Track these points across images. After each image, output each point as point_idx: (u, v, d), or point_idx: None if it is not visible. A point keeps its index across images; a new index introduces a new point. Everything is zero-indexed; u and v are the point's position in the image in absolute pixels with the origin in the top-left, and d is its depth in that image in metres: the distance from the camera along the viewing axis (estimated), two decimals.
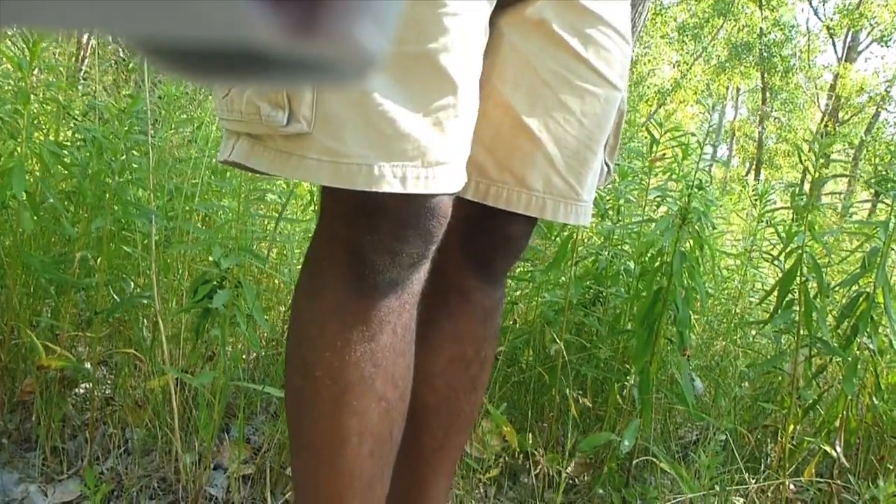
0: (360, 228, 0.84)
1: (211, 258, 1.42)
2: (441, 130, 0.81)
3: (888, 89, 18.31)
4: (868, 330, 1.65)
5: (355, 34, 0.17)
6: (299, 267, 0.95)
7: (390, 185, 0.78)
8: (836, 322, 1.77)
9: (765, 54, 19.99)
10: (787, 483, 1.69)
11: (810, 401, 1.71)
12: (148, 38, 0.17)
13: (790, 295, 1.71)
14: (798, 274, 1.64)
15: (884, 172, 1.77)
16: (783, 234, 1.74)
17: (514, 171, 0.97)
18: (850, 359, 1.68)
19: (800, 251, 1.64)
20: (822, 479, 1.70)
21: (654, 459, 1.60)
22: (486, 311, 1.11)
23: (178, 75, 0.19)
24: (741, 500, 1.74)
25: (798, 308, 1.69)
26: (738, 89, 26.39)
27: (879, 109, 19.03)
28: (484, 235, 1.06)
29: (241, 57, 0.18)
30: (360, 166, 0.77)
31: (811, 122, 22.53)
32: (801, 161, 1.59)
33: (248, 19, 0.15)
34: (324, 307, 0.87)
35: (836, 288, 1.77)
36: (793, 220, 1.86)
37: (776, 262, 1.76)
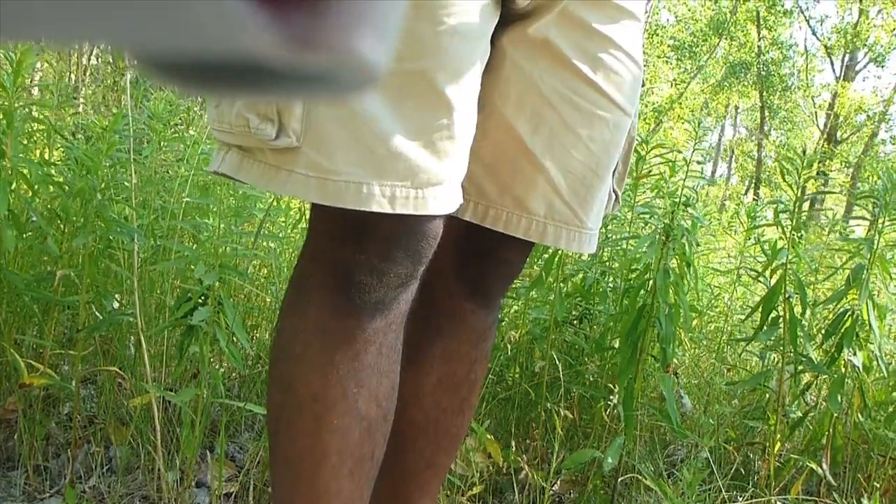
0: (348, 247, 0.83)
1: (195, 276, 1.43)
2: (434, 152, 0.79)
3: (885, 109, 18.38)
4: (853, 347, 1.65)
5: (356, 47, 0.17)
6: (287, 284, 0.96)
7: (379, 205, 0.76)
8: (822, 339, 1.78)
9: (763, 73, 20.09)
10: (773, 501, 1.68)
11: (795, 418, 1.71)
12: (148, 50, 0.17)
13: (775, 312, 1.72)
14: (782, 291, 1.64)
15: (874, 190, 1.78)
16: (768, 251, 1.74)
17: (516, 194, 0.94)
18: (835, 376, 1.69)
19: (784, 268, 1.65)
20: (808, 497, 1.69)
21: (640, 477, 1.59)
22: (479, 334, 1.10)
23: (178, 88, 0.19)
24: None
25: (783, 325, 1.70)
26: (736, 108, 26.51)
27: (876, 130, 19.10)
28: (479, 258, 1.04)
29: (242, 69, 0.18)
30: (348, 184, 0.76)
31: (809, 140, 22.62)
32: (783, 178, 1.60)
33: (249, 32, 0.15)
34: (308, 325, 0.86)
35: (822, 305, 1.78)
36: (780, 237, 1.86)
37: (761, 279, 1.76)
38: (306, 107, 0.76)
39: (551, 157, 0.92)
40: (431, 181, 0.80)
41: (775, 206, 1.66)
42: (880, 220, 1.67)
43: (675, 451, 2.05)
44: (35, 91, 2.26)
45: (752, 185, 22.64)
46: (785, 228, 1.64)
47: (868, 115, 19.21)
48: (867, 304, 1.65)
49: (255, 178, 0.79)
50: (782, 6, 18.95)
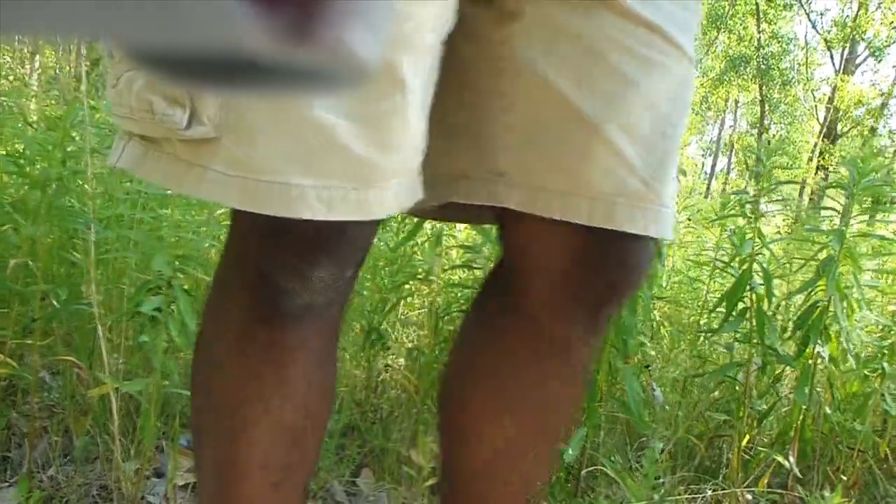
0: (268, 248, 0.72)
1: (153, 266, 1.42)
2: (381, 143, 0.65)
3: (884, 103, 18.34)
4: (820, 339, 1.64)
5: (347, 42, 0.17)
6: None
7: (312, 210, 0.63)
8: (792, 331, 1.77)
9: (763, 67, 20.05)
10: (738, 493, 1.67)
11: (762, 411, 1.70)
12: (141, 45, 0.17)
13: (743, 303, 1.71)
14: (748, 282, 1.64)
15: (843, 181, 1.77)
16: (736, 242, 1.73)
17: (567, 167, 0.74)
18: (801, 368, 1.68)
19: (750, 259, 1.64)
20: (775, 490, 1.69)
21: (604, 469, 1.59)
22: (585, 367, 0.91)
23: (170, 82, 0.20)
24: None
25: (751, 317, 1.69)
26: (736, 102, 26.46)
27: (876, 124, 19.06)
28: (597, 270, 0.80)
29: (234, 65, 0.18)
30: (274, 185, 0.63)
31: (810, 134, 22.58)
32: (746, 167, 1.59)
33: (241, 27, 0.15)
34: (230, 331, 0.78)
35: (791, 297, 1.77)
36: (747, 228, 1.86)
37: (730, 270, 1.76)
38: None
39: (607, 115, 0.73)
40: (376, 179, 0.66)
41: (740, 198, 1.65)
42: (850, 211, 1.66)
43: (650, 444, 2.04)
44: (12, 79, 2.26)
45: (752, 178, 22.61)
46: (750, 219, 1.63)
47: (867, 109, 19.17)
48: (835, 295, 1.64)
49: (160, 177, 0.67)
50: None
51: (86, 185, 1.37)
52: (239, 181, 0.63)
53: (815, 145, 19.02)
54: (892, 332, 1.73)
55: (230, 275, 0.79)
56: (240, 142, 0.63)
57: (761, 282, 1.62)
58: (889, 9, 17.80)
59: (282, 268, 0.72)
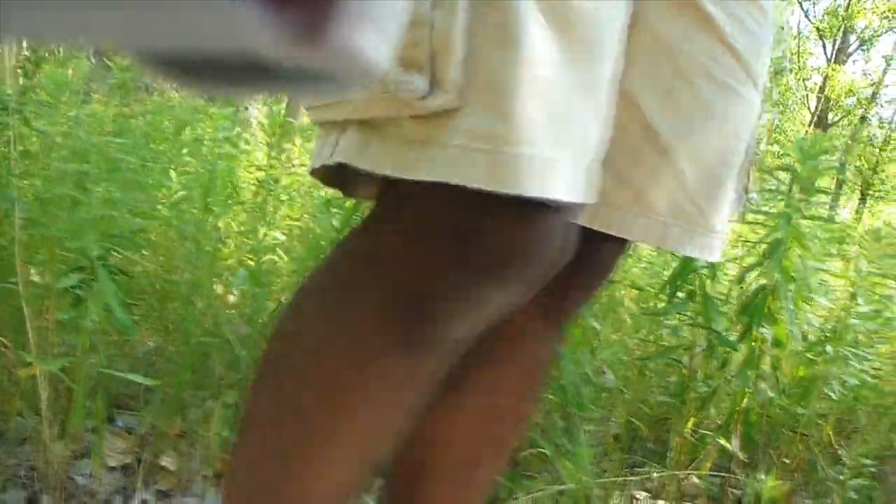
0: (445, 258, 0.58)
1: (82, 245, 1.40)
2: (595, 114, 0.59)
3: (875, 92, 18.35)
4: (766, 323, 1.64)
5: (357, 44, 0.17)
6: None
7: (566, 190, 0.55)
8: (737, 315, 1.76)
9: None
10: (681, 476, 1.67)
11: (704, 394, 1.70)
12: (150, 48, 0.17)
13: (690, 286, 1.70)
14: (691, 264, 1.62)
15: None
16: None
17: (635, 186, 0.73)
18: (746, 352, 1.67)
19: None
20: (716, 474, 1.68)
21: (543, 451, 1.58)
22: (539, 363, 0.89)
23: (180, 85, 0.19)
24: (643, 493, 1.73)
25: (697, 299, 1.68)
26: None
27: (866, 113, 19.08)
28: (576, 275, 0.80)
29: (243, 67, 0.17)
30: (535, 158, 0.53)
31: (802, 123, 22.58)
32: None
33: (250, 29, 0.15)
34: (348, 349, 0.63)
35: (736, 280, 1.76)
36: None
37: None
38: (469, 44, 0.53)
39: (680, 140, 0.72)
40: (590, 157, 0.60)
41: None
42: (793, 194, 1.65)
43: (596, 427, 2.03)
44: None
45: None
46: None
47: (858, 99, 19.18)
48: (779, 279, 1.63)
49: (390, 164, 0.55)
50: None
51: (11, 163, 1.35)
52: (488, 156, 0.52)
53: (806, 134, 19.00)
54: (838, 316, 1.73)
55: (365, 281, 0.63)
56: (491, 108, 0.52)
57: (705, 264, 1.61)
58: None
59: (461, 287, 0.59)
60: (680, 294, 1.68)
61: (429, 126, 0.54)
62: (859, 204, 17.23)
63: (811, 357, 1.71)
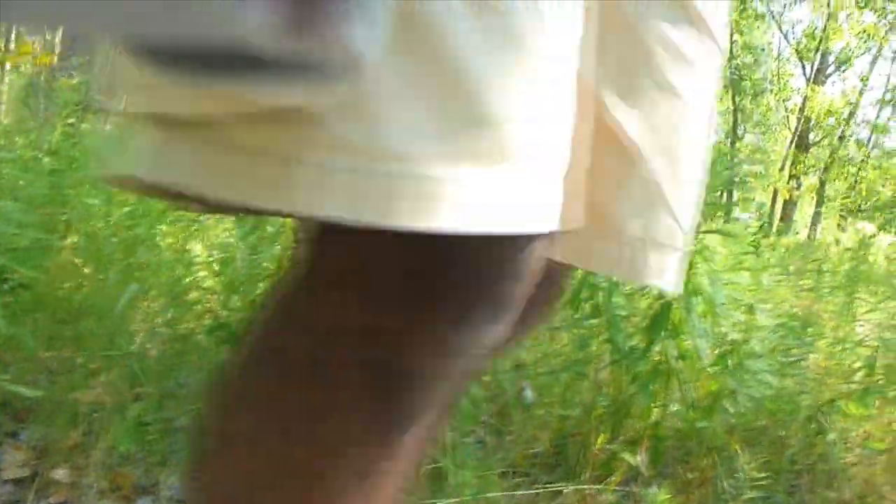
0: (405, 309, 0.44)
1: None
2: (539, 117, 0.43)
3: (851, 112, 18.56)
4: (663, 337, 1.65)
5: (345, 35, 0.17)
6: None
7: (461, 221, 0.39)
8: (645, 330, 1.78)
9: (735, 77, 20.22)
10: (590, 491, 1.68)
11: (611, 408, 1.71)
12: (141, 37, 0.17)
13: (595, 301, 1.72)
14: (592, 278, 1.64)
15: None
16: None
17: (597, 201, 0.57)
18: (651, 366, 1.69)
19: None
20: (621, 489, 1.69)
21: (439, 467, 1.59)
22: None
23: (165, 74, 0.19)
24: None
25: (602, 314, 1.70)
26: None
27: (844, 133, 19.29)
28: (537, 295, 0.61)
29: (233, 57, 0.18)
30: (421, 179, 0.37)
31: (783, 144, 22.80)
32: None
33: (241, 21, 0.15)
34: (337, 435, 0.49)
35: (637, 295, 1.78)
36: None
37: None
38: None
39: (648, 133, 0.57)
40: (539, 173, 0.44)
41: None
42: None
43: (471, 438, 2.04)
44: None
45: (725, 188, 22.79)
46: None
47: (836, 120, 19.39)
48: (679, 292, 1.65)
49: (214, 186, 0.37)
50: (754, 10, 19.09)
51: None
52: (357, 177, 0.36)
53: (787, 154, 19.22)
54: (744, 330, 1.75)
55: (327, 351, 0.47)
56: (362, 113, 0.34)
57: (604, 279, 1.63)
58: (855, 19, 18.03)
59: (430, 342, 0.46)
60: (585, 307, 1.70)
61: (275, 132, 0.35)
62: (840, 220, 17.37)
63: (716, 371, 1.73)
